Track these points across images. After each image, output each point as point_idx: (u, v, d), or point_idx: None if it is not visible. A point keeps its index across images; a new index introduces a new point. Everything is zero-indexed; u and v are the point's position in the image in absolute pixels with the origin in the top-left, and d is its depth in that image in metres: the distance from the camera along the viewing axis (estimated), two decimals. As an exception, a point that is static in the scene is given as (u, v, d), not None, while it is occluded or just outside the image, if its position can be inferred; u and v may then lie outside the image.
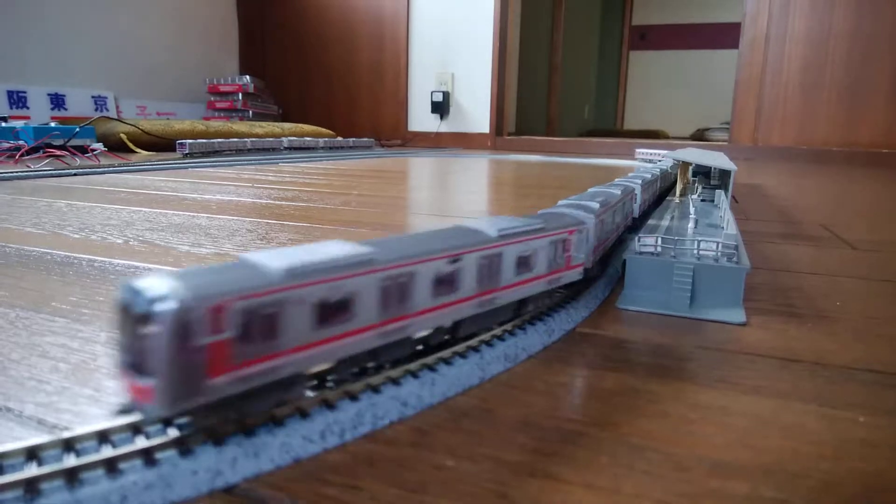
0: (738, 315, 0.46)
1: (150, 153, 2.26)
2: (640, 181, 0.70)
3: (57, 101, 2.85)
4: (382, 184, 1.43)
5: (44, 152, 1.82)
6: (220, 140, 2.27)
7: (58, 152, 1.82)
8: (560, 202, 0.49)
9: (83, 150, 1.92)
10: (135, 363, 0.21)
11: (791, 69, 2.96)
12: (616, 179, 0.70)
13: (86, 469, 0.22)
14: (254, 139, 2.48)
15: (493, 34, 3.44)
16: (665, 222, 0.69)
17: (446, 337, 0.34)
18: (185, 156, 2.05)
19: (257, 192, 1.18)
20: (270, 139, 2.57)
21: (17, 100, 2.68)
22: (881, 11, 2.77)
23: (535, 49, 4.56)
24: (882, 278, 0.62)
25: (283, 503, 0.23)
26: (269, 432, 0.26)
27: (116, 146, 2.24)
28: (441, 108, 3.59)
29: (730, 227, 0.59)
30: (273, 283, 0.23)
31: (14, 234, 0.71)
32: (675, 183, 1.07)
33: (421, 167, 2.05)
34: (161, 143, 2.36)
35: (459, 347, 0.35)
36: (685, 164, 1.06)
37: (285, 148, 2.59)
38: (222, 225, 0.81)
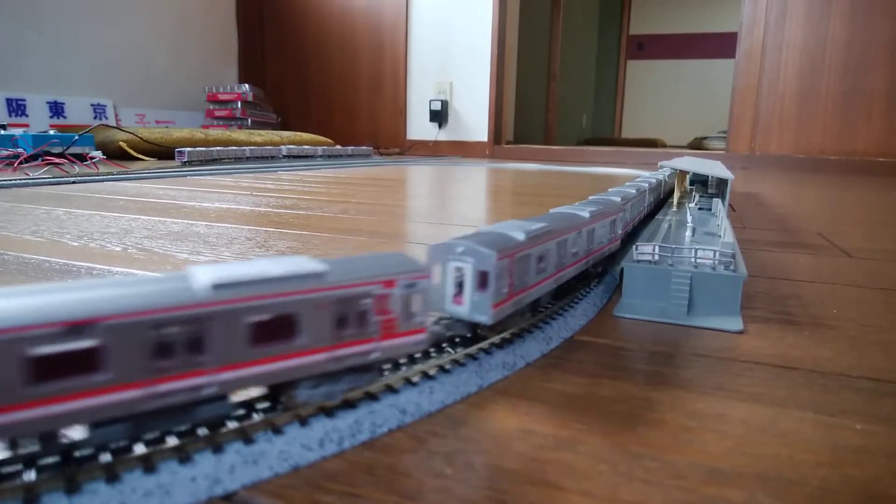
0: (735, 323, 0.46)
1: (149, 161, 2.26)
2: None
3: (56, 109, 2.85)
4: (381, 192, 1.43)
5: (42, 160, 1.82)
6: (218, 148, 2.27)
7: (56, 160, 1.82)
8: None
9: (82, 157, 1.92)
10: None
11: (787, 78, 2.97)
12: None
13: (85, 476, 0.22)
14: (252, 147, 2.48)
15: (491, 43, 3.45)
16: (662, 230, 0.69)
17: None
18: (184, 164, 2.05)
19: (256, 201, 1.19)
20: (269, 147, 2.57)
21: (17, 107, 2.69)
22: (875, 20, 2.79)
23: (533, 58, 4.58)
24: (878, 286, 0.62)
25: (282, 511, 0.23)
26: (268, 440, 0.26)
27: (115, 154, 2.25)
28: (439, 116, 3.60)
29: (727, 235, 0.60)
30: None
31: (13, 242, 0.71)
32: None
33: (419, 175, 2.05)
34: (160, 152, 2.37)
35: (458, 355, 0.35)
36: (683, 173, 1.07)
37: (284, 156, 2.59)
38: (221, 233, 0.81)
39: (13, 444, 0.22)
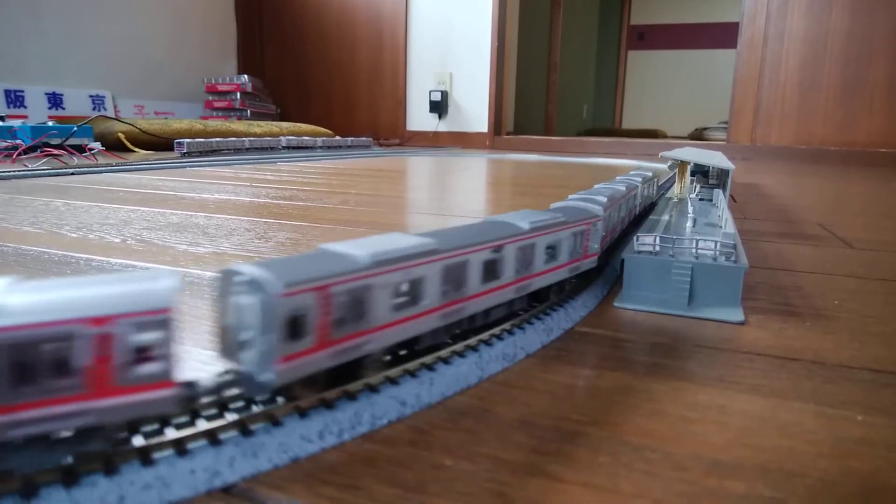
0: (736, 314, 0.46)
1: (148, 152, 2.26)
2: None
3: (55, 100, 2.84)
4: (381, 183, 1.43)
5: (41, 151, 1.81)
6: (218, 139, 2.26)
7: (55, 151, 1.82)
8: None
9: (81, 149, 1.92)
10: None
11: (789, 69, 2.96)
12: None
13: (82, 468, 0.22)
14: (252, 138, 2.47)
15: (491, 33, 3.43)
16: (663, 221, 0.69)
17: None
18: (183, 155, 2.05)
19: (255, 192, 1.18)
20: (268, 138, 2.56)
21: (15, 99, 2.68)
22: (877, 11, 2.78)
23: (533, 48, 4.56)
24: (879, 277, 0.62)
25: (281, 503, 0.23)
26: (267, 432, 0.26)
27: (114, 145, 2.24)
28: (439, 107, 3.58)
29: (728, 226, 0.59)
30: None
31: (12, 234, 0.71)
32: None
33: (419, 166, 2.05)
34: (159, 143, 2.36)
35: (458, 347, 0.35)
36: (683, 164, 1.06)
37: (283, 147, 2.58)
38: (220, 224, 0.81)
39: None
